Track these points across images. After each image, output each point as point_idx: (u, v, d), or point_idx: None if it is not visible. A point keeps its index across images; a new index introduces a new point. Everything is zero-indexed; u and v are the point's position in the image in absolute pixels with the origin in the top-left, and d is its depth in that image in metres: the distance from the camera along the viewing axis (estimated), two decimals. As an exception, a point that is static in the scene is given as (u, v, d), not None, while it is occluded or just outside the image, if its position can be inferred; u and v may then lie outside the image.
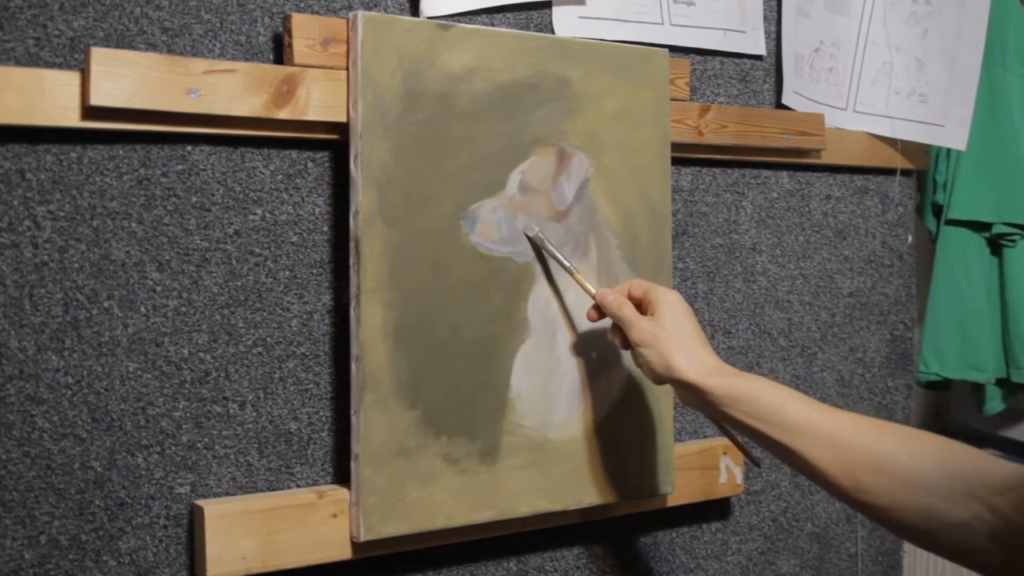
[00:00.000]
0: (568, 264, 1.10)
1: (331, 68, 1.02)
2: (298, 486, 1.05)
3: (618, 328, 1.05)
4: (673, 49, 1.26)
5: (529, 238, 1.11)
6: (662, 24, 1.27)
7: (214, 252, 1.01)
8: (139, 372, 0.97)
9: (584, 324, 1.14)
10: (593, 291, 1.08)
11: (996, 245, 1.74)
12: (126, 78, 0.92)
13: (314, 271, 1.06)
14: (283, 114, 1.00)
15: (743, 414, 0.93)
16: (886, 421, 0.91)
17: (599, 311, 1.08)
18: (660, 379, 1.00)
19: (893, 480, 0.85)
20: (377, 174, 1.01)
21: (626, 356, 1.16)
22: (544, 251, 1.11)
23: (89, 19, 0.95)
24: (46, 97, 0.90)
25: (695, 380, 0.96)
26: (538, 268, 1.11)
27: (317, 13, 1.06)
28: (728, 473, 1.30)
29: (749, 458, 1.11)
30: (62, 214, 0.94)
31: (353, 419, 1.01)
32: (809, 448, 0.89)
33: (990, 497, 0.82)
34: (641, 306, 1.05)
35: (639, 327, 1.01)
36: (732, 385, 0.94)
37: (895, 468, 0.85)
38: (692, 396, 0.98)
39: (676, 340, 0.99)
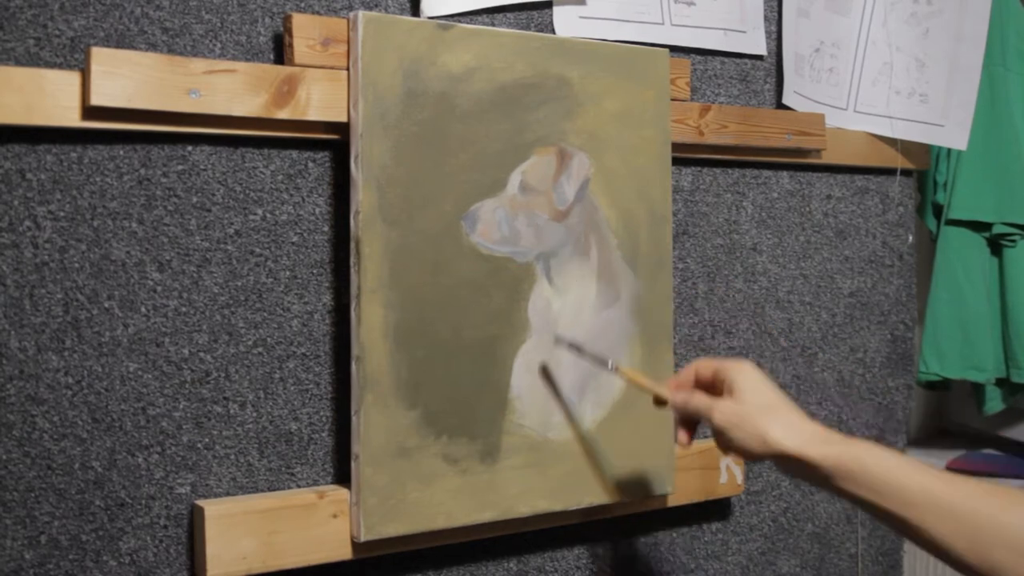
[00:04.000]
0: (612, 367, 1.06)
1: (331, 68, 1.02)
2: (298, 486, 1.05)
3: (684, 422, 0.98)
4: (673, 49, 1.26)
5: (569, 344, 1.10)
6: (663, 24, 1.27)
7: (214, 252, 1.01)
8: (139, 372, 0.97)
9: (584, 324, 1.14)
10: (663, 393, 1.00)
11: (996, 245, 1.74)
12: (126, 78, 0.92)
13: (314, 271, 1.06)
14: (283, 114, 1.00)
15: (854, 486, 0.85)
16: (1010, 488, 0.84)
17: (687, 426, 0.99)
18: (757, 457, 0.91)
19: None
20: (377, 174, 1.01)
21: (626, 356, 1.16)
22: (584, 358, 1.09)
23: (89, 19, 0.95)
24: (46, 97, 0.90)
25: (799, 453, 0.87)
26: (538, 268, 1.11)
27: (317, 13, 1.06)
28: (728, 473, 1.30)
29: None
30: (62, 214, 0.94)
31: (353, 419, 1.01)
32: (930, 522, 0.81)
33: None
34: (714, 387, 0.96)
35: (719, 409, 0.92)
36: (840, 455, 0.86)
37: None
38: (796, 469, 0.89)
39: (764, 413, 0.90)
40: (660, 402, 1.01)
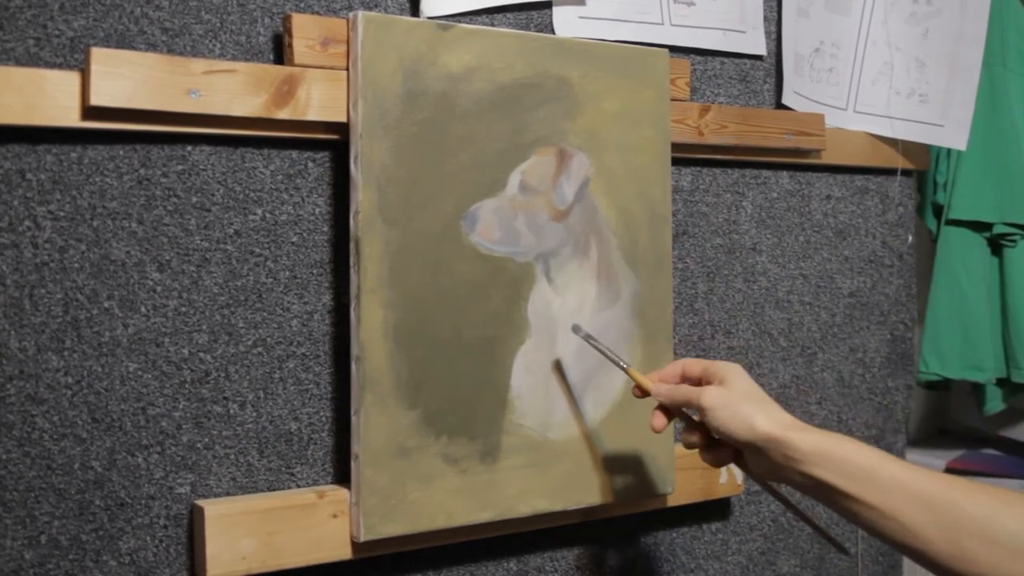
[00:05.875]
0: (622, 363, 1.06)
1: (331, 68, 1.02)
2: (298, 486, 1.05)
3: (663, 409, 1.01)
4: (673, 49, 1.26)
5: (580, 336, 1.10)
6: (662, 24, 1.27)
7: (214, 252, 1.01)
8: (139, 372, 0.97)
9: (584, 324, 1.14)
10: (649, 385, 1.02)
11: (996, 245, 1.74)
12: (126, 78, 0.92)
13: (314, 271, 1.06)
14: (283, 114, 1.00)
15: (830, 472, 0.87)
16: (977, 482, 0.84)
17: (665, 412, 1.02)
18: (739, 438, 0.93)
19: (1000, 548, 0.78)
20: (377, 174, 1.01)
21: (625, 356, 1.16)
22: (594, 347, 1.09)
23: (89, 19, 0.95)
24: (46, 97, 0.90)
25: (778, 434, 0.90)
26: (538, 268, 1.11)
27: (317, 13, 1.06)
28: (728, 473, 1.30)
29: (835, 546, 1.01)
30: (62, 214, 0.94)
31: (353, 419, 1.01)
32: (904, 510, 0.82)
33: None
34: (700, 384, 1.00)
35: (707, 392, 0.95)
36: (818, 440, 0.88)
37: (1001, 534, 0.79)
38: (773, 452, 0.91)
39: (749, 399, 0.94)
40: (645, 393, 1.04)
